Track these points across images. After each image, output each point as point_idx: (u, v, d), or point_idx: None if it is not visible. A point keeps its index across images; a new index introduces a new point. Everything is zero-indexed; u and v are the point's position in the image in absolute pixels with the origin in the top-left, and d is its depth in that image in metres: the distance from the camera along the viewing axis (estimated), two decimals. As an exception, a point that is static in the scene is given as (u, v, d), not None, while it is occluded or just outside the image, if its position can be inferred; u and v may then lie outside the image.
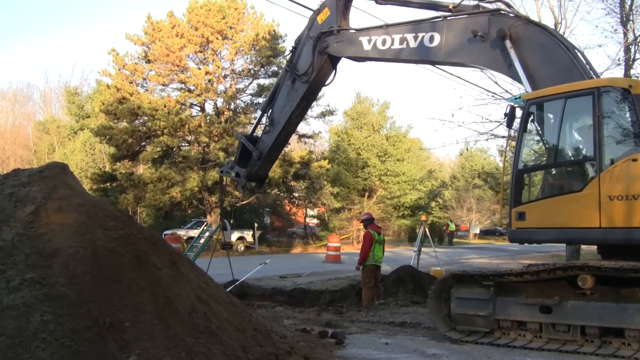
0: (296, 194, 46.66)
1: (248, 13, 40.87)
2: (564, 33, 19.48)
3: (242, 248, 39.48)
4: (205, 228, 26.19)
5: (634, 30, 20.01)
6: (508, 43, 10.41)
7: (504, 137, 20.96)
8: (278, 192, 45.29)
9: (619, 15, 20.03)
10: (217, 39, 38.35)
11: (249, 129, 17.49)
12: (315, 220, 56.90)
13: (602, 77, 12.48)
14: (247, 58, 40.70)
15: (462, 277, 9.70)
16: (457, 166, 79.94)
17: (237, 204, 37.54)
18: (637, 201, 8.40)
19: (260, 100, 39.96)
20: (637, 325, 7.97)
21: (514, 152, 10.17)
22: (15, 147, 62.40)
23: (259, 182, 16.34)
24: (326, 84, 14.20)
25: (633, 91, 8.77)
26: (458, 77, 22.20)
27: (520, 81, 10.36)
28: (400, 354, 8.64)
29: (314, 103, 31.61)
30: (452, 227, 56.65)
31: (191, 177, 36.53)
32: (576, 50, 10.42)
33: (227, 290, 11.85)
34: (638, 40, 19.93)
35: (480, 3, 11.68)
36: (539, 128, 10.14)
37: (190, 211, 43.89)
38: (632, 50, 20.00)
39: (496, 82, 20.47)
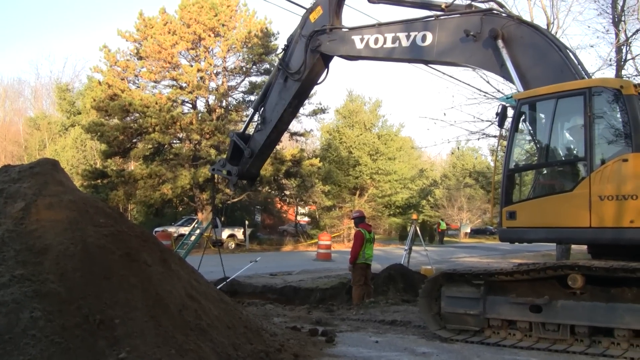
0: (287, 192, 46.66)
1: (240, 10, 40.81)
2: (556, 33, 19.54)
3: (233, 246, 39.45)
4: (196, 225, 26.17)
5: (625, 31, 20.11)
6: (500, 43, 10.44)
7: (495, 136, 21.04)
8: (269, 190, 45.27)
9: (611, 16, 20.13)
10: (210, 36, 38.28)
11: (241, 126, 17.52)
12: (306, 218, 56.97)
13: (593, 77, 12.52)
14: (239, 55, 40.65)
15: (452, 276, 9.71)
16: (448, 165, 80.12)
17: (229, 202, 37.44)
18: (628, 201, 8.44)
19: (252, 97, 39.96)
20: (626, 325, 8.00)
21: (505, 152, 10.19)
22: (5, 143, 62.17)
23: (251, 180, 16.34)
24: (318, 82, 14.20)
25: (624, 92, 8.80)
26: (450, 76, 22.27)
27: (512, 81, 10.39)
28: (390, 352, 8.65)
29: (306, 101, 31.60)
30: (443, 225, 56.74)
31: (182, 174, 36.46)
32: (568, 51, 10.45)
33: (218, 287, 11.85)
34: (630, 40, 20.03)
35: (472, 3, 11.70)
36: (530, 128, 10.17)
37: (181, 208, 43.84)
38: (624, 50, 20.11)
39: (488, 82, 20.54)
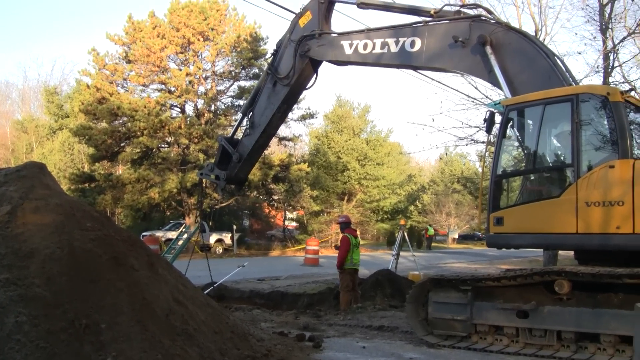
0: (275, 197, 46.60)
1: (230, 15, 40.79)
2: (545, 40, 19.66)
3: (221, 250, 39.35)
4: (183, 230, 26.13)
5: (612, 38, 20.24)
6: (488, 49, 10.49)
7: (483, 142, 21.11)
8: (257, 195, 45.20)
9: (599, 23, 20.24)
10: (199, 40, 38.21)
11: (230, 131, 17.50)
12: (294, 224, 56.91)
13: (581, 84, 12.59)
14: (229, 60, 40.64)
15: (439, 282, 9.74)
16: (436, 171, 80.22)
17: (216, 206, 37.38)
18: (614, 207, 8.48)
19: (241, 102, 39.89)
20: (612, 331, 8.04)
21: (493, 158, 10.22)
22: (-8, 146, 61.88)
23: (239, 185, 16.35)
24: (307, 87, 14.25)
25: (611, 98, 8.85)
26: (438, 82, 22.30)
27: (500, 87, 10.44)
28: (377, 357, 8.64)
29: (295, 106, 31.58)
30: (431, 231, 56.80)
31: (170, 178, 36.35)
32: (556, 57, 10.52)
33: (205, 292, 11.81)
34: (617, 48, 20.15)
35: (461, 9, 11.77)
36: (518, 134, 10.21)
37: (168, 213, 43.71)
38: (611, 57, 20.22)
39: (476, 88, 20.62)
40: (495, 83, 10.73)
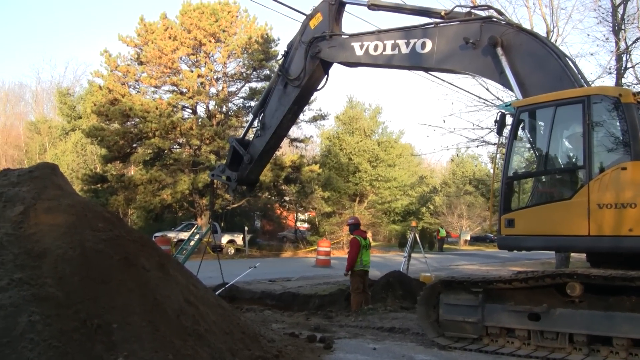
0: (287, 198, 46.63)
1: (241, 16, 40.85)
2: (556, 41, 19.59)
3: (233, 251, 39.40)
4: (195, 230, 26.13)
5: (625, 39, 20.14)
6: (499, 50, 10.45)
7: (494, 144, 21.04)
8: (269, 196, 45.25)
9: (611, 24, 20.16)
10: (210, 41, 38.30)
11: (241, 132, 17.50)
12: (305, 225, 56.92)
13: (593, 85, 12.53)
14: (240, 61, 40.68)
15: (451, 283, 9.71)
16: (448, 172, 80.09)
17: (228, 207, 37.34)
18: (626, 210, 8.44)
19: (252, 103, 39.96)
20: (625, 334, 7.99)
21: (504, 159, 10.20)
22: (6, 147, 62.24)
23: (250, 186, 16.34)
24: (318, 88, 14.22)
25: (623, 100, 8.81)
26: (450, 83, 22.30)
27: (511, 88, 10.39)
28: (388, 359, 8.64)
29: (306, 107, 31.60)
30: (443, 233, 56.66)
31: (182, 179, 36.43)
32: (567, 59, 10.46)
33: (216, 293, 11.83)
34: (630, 49, 20.06)
35: (472, 10, 11.73)
36: (529, 135, 10.18)
37: (180, 213, 43.79)
38: (624, 59, 20.13)
39: (487, 89, 20.58)
40: (506, 84, 10.69)
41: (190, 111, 40.65)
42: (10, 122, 70.28)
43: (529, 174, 10.55)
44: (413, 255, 22.55)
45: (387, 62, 12.51)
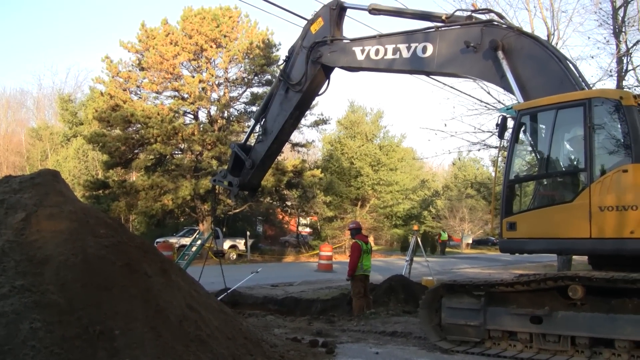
0: (289, 203, 46.58)
1: (242, 21, 40.87)
2: (557, 44, 19.58)
3: (235, 256, 39.38)
4: (197, 236, 26.18)
5: (626, 41, 20.11)
6: (500, 54, 10.46)
7: (496, 147, 21.03)
8: (271, 201, 45.24)
9: (612, 27, 20.14)
10: (211, 47, 38.32)
11: (242, 137, 17.52)
12: (307, 229, 56.86)
13: (594, 88, 12.53)
14: (241, 66, 40.67)
15: (453, 287, 9.72)
16: (450, 176, 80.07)
17: (230, 212, 37.45)
18: (628, 212, 8.44)
19: (254, 108, 39.97)
20: (627, 336, 7.99)
21: (505, 163, 10.20)
22: (7, 154, 62.31)
23: (252, 191, 16.34)
24: (319, 93, 14.25)
25: (624, 102, 8.82)
26: (451, 87, 22.24)
27: (512, 92, 10.40)
28: (391, 363, 8.65)
29: (308, 112, 31.60)
30: (444, 236, 56.60)
31: (184, 185, 36.41)
32: (568, 62, 10.49)
33: (219, 298, 11.84)
34: (630, 51, 20.04)
35: (472, 14, 11.73)
36: (530, 139, 10.19)
37: (182, 219, 43.79)
38: (625, 61, 20.09)
39: (489, 93, 20.57)
40: (507, 88, 10.70)
41: (192, 117, 40.68)
42: (12, 129, 70.39)
43: (530, 177, 10.56)
44: (415, 259, 22.56)
45: (389, 67, 12.52)
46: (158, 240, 35.04)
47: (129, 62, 39.55)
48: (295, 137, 41.51)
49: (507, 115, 10.29)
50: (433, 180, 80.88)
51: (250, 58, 39.48)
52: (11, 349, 5.03)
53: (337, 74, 13.80)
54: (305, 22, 13.86)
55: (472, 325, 9.35)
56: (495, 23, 11.22)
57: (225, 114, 40.79)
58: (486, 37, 10.74)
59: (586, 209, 8.76)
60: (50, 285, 5.71)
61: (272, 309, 16.12)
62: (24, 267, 5.82)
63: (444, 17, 11.70)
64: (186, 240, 33.35)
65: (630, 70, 20.29)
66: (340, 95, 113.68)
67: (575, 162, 9.84)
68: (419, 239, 22.85)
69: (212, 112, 40.24)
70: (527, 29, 16.20)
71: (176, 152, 39.61)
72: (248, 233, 41.88)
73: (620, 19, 19.99)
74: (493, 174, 33.38)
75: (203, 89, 38.91)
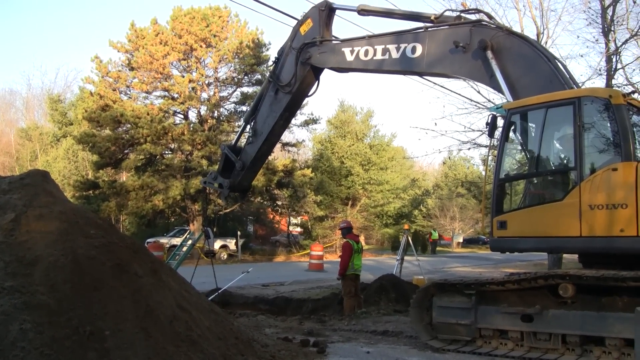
0: (279, 203, 46.57)
1: (232, 21, 40.81)
2: (546, 43, 19.67)
3: (225, 256, 39.35)
4: (187, 236, 26.09)
5: (615, 40, 20.20)
6: (489, 54, 10.49)
7: (486, 146, 21.07)
8: (261, 201, 45.22)
9: (601, 26, 20.22)
10: (201, 46, 38.27)
11: (233, 137, 17.48)
12: (298, 229, 56.87)
13: (583, 87, 12.58)
14: (231, 66, 40.63)
15: (443, 286, 9.74)
16: (440, 175, 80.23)
17: (221, 212, 37.38)
18: (617, 210, 8.47)
19: (244, 108, 39.96)
20: (617, 334, 8.02)
21: (495, 162, 10.23)
22: (-4, 155, 62.02)
23: (242, 193, 16.35)
24: (309, 94, 14.25)
25: (613, 101, 8.86)
26: (441, 86, 22.23)
27: (501, 91, 10.42)
28: (382, 362, 8.66)
29: (298, 112, 31.60)
30: (435, 235, 56.73)
31: (174, 185, 36.35)
32: (557, 61, 10.52)
33: (209, 298, 11.82)
34: (619, 50, 20.12)
35: (461, 14, 11.76)
36: (520, 137, 10.23)
37: (173, 219, 43.73)
38: (614, 60, 20.16)
39: (479, 92, 20.62)
40: (496, 87, 10.72)
41: (182, 116, 40.61)
42: (1, 129, 70.04)
43: (520, 175, 10.59)
44: (406, 258, 22.58)
45: (378, 67, 12.52)
46: (149, 240, 34.96)
47: (119, 62, 39.48)
48: (286, 136, 41.47)
49: (497, 114, 10.30)
50: (423, 179, 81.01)
51: (240, 58, 39.43)
52: (1, 350, 5.01)
53: (327, 74, 13.74)
54: (295, 22, 13.85)
55: (463, 324, 9.37)
56: (484, 23, 11.25)
57: (215, 114, 40.75)
58: (475, 37, 10.76)
59: (576, 208, 8.79)
60: (40, 286, 5.68)
61: (263, 308, 16.10)
62: (14, 267, 5.79)
63: (433, 18, 11.71)
64: (177, 241, 33.25)
65: (619, 69, 20.38)
66: (330, 94, 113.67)
67: (565, 161, 9.87)
68: (409, 238, 22.88)
69: (202, 112, 40.18)
70: (516, 28, 16.33)
71: (166, 152, 39.51)
72: (239, 233, 41.84)
73: (609, 17, 20.07)
74: (483, 173, 33.48)
75: (193, 88, 38.85)
